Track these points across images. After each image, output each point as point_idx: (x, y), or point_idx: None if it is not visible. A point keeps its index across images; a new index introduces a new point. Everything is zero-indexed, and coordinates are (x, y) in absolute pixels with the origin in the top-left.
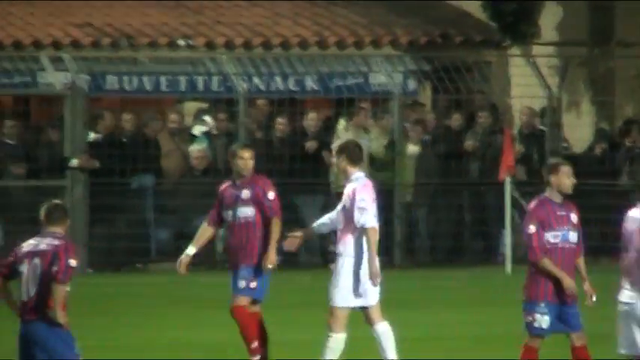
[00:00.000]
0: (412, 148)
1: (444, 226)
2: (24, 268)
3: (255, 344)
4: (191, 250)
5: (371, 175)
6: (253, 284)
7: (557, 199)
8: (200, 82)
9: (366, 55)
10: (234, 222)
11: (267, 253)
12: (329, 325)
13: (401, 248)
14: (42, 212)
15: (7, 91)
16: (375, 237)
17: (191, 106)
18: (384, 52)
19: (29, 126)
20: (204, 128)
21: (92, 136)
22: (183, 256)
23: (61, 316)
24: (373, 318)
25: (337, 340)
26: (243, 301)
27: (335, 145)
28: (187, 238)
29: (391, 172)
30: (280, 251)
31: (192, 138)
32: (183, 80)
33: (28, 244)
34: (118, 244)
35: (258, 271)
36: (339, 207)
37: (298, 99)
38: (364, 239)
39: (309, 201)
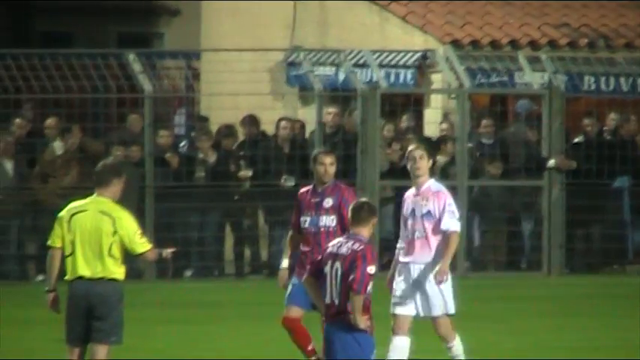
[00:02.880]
0: None
1: None
2: (327, 270)
3: (311, 346)
4: (285, 262)
5: None
6: None
7: None
8: None
9: None
10: (313, 229)
11: None
12: (448, 335)
13: None
14: (349, 211)
15: (485, 90)
16: (457, 242)
17: None
18: None
19: (506, 126)
20: None
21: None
22: (281, 271)
23: (360, 322)
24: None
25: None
26: (298, 312)
27: (419, 146)
28: None
29: None
30: None
31: None
32: None
33: (333, 245)
34: (595, 245)
35: None
36: (418, 214)
37: None
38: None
39: None
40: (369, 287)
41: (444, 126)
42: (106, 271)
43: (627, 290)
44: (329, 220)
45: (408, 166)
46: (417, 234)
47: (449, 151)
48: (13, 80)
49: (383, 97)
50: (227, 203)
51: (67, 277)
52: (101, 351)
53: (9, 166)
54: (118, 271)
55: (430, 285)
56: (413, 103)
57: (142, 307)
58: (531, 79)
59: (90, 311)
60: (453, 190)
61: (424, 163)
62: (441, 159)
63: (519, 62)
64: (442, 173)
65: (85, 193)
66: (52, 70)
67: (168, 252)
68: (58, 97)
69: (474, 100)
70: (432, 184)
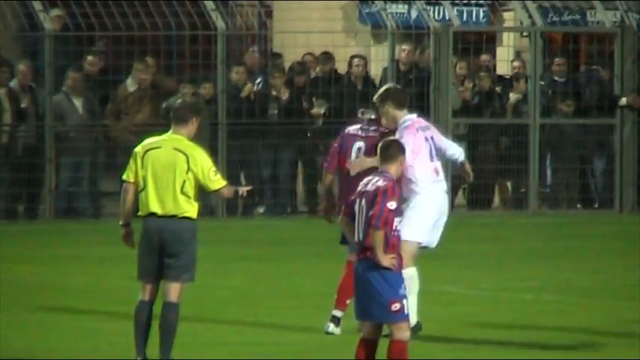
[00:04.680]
0: None
1: None
2: (356, 208)
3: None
4: None
5: None
6: None
7: None
8: None
9: None
10: None
11: None
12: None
13: None
14: (378, 148)
15: (557, 29)
16: None
17: None
18: None
19: (578, 64)
20: None
21: None
22: None
23: (383, 259)
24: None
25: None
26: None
27: (377, 95)
28: None
29: None
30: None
31: None
32: None
33: (363, 183)
34: None
35: None
36: None
37: None
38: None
39: None
40: (395, 224)
41: (517, 64)
42: (178, 208)
43: None
44: None
45: None
46: None
47: (521, 89)
48: (86, 17)
49: (455, 34)
50: (300, 140)
51: (139, 213)
52: (174, 289)
53: (79, 103)
54: (191, 209)
55: None
56: (485, 40)
57: (214, 245)
58: (603, 17)
59: (162, 248)
60: (525, 127)
61: (386, 109)
62: (514, 97)
63: (591, 1)
64: (514, 111)
65: (158, 130)
66: (125, 7)
67: (244, 189)
68: (131, 34)
69: (547, 39)
70: (405, 121)
